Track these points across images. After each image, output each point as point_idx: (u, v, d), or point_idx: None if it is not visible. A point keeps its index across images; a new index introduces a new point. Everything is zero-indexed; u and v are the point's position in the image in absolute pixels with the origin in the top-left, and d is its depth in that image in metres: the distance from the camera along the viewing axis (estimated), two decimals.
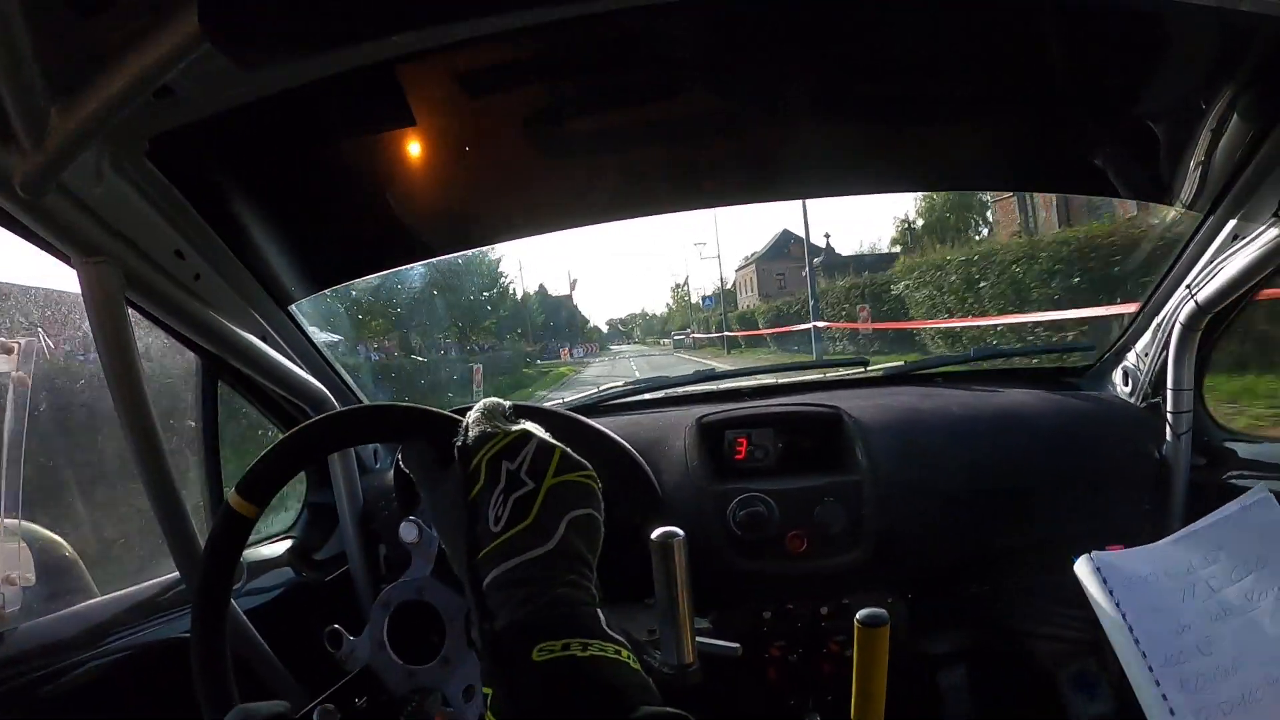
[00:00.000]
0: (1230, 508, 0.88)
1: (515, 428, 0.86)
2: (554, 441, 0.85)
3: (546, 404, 2.04)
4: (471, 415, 0.89)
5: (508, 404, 0.91)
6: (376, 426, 0.98)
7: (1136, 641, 0.78)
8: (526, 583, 0.75)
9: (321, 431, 0.92)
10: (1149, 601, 0.82)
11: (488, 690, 0.70)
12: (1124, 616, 0.79)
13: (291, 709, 0.83)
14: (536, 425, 0.88)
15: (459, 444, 0.85)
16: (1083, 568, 0.81)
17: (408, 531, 1.12)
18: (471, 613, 0.80)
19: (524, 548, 0.77)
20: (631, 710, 0.65)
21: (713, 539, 1.64)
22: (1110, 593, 0.79)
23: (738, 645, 1.13)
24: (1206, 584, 0.82)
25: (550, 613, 0.73)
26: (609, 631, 0.73)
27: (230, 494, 0.90)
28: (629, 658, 0.71)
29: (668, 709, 0.65)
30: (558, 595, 0.75)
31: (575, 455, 0.86)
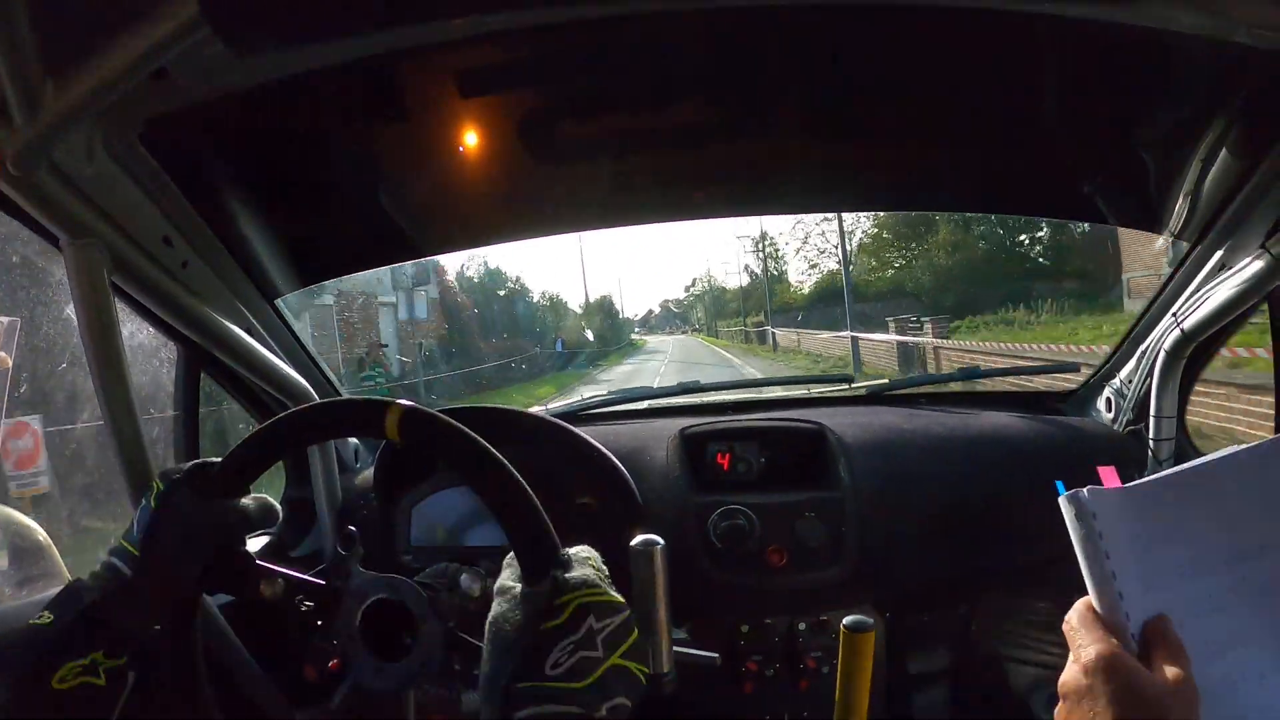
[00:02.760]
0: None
1: (615, 594, 0.86)
2: (634, 625, 0.86)
3: (531, 409, 2.03)
4: (578, 551, 0.90)
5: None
6: (489, 483, 0.96)
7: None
8: None
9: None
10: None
11: None
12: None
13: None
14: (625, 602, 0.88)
15: (559, 573, 0.85)
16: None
17: (468, 584, 1.09)
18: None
19: (569, 702, 0.76)
20: None
21: (692, 550, 1.64)
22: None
23: (716, 655, 1.12)
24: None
25: None
26: None
27: (394, 409, 0.92)
28: None
29: None
30: None
31: (641, 647, 0.86)
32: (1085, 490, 0.70)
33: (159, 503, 0.96)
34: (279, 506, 1.07)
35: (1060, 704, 0.72)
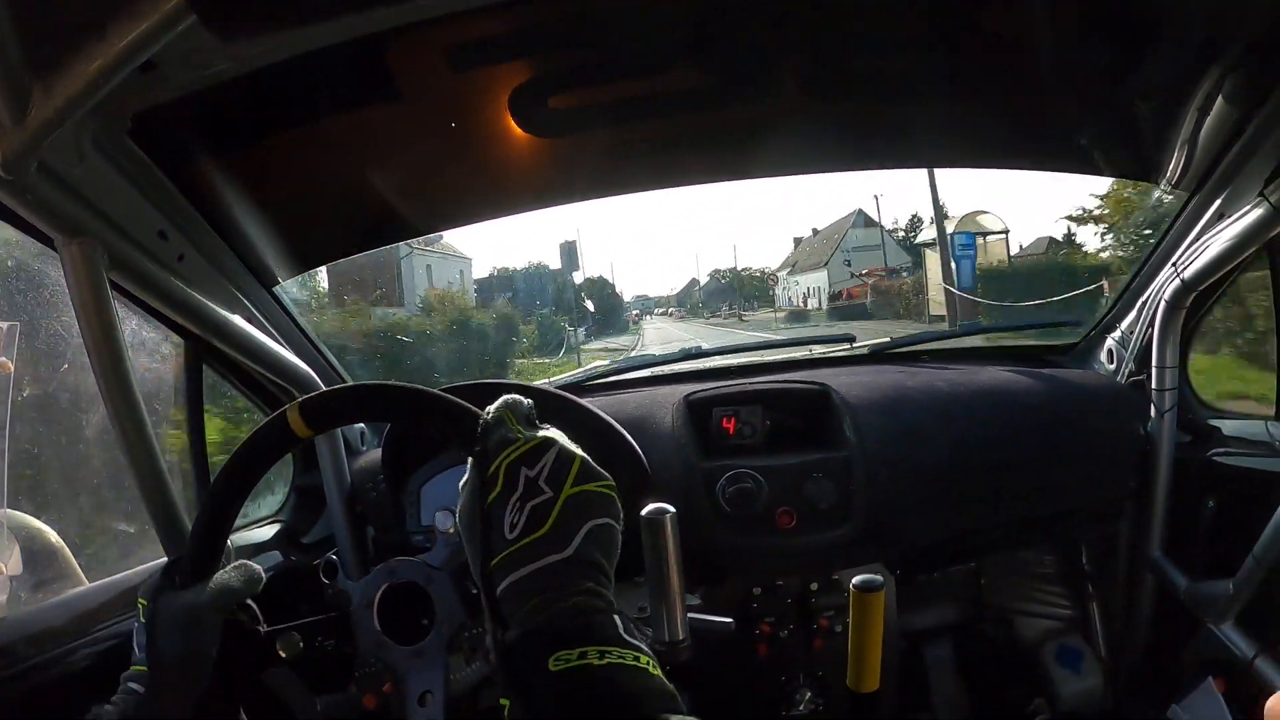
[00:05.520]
0: None
1: (536, 433, 0.83)
2: (575, 449, 0.83)
3: (535, 382, 2.03)
4: (491, 412, 0.86)
5: (528, 402, 0.88)
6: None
7: None
8: (541, 591, 0.74)
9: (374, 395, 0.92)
10: None
11: (505, 701, 0.69)
12: None
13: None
14: (558, 431, 0.86)
15: (477, 448, 0.83)
16: None
17: (443, 521, 1.10)
18: (485, 620, 0.79)
19: (538, 555, 0.75)
20: (652, 718, 0.65)
21: (702, 515, 1.65)
22: None
23: (730, 620, 1.14)
24: None
25: (566, 621, 0.72)
26: (627, 638, 0.72)
27: (291, 408, 0.90)
28: (649, 663, 0.70)
29: (690, 718, 0.65)
30: (573, 604, 0.73)
31: (595, 465, 0.84)
32: None
33: (148, 617, 0.95)
34: (261, 571, 1.06)
35: None
